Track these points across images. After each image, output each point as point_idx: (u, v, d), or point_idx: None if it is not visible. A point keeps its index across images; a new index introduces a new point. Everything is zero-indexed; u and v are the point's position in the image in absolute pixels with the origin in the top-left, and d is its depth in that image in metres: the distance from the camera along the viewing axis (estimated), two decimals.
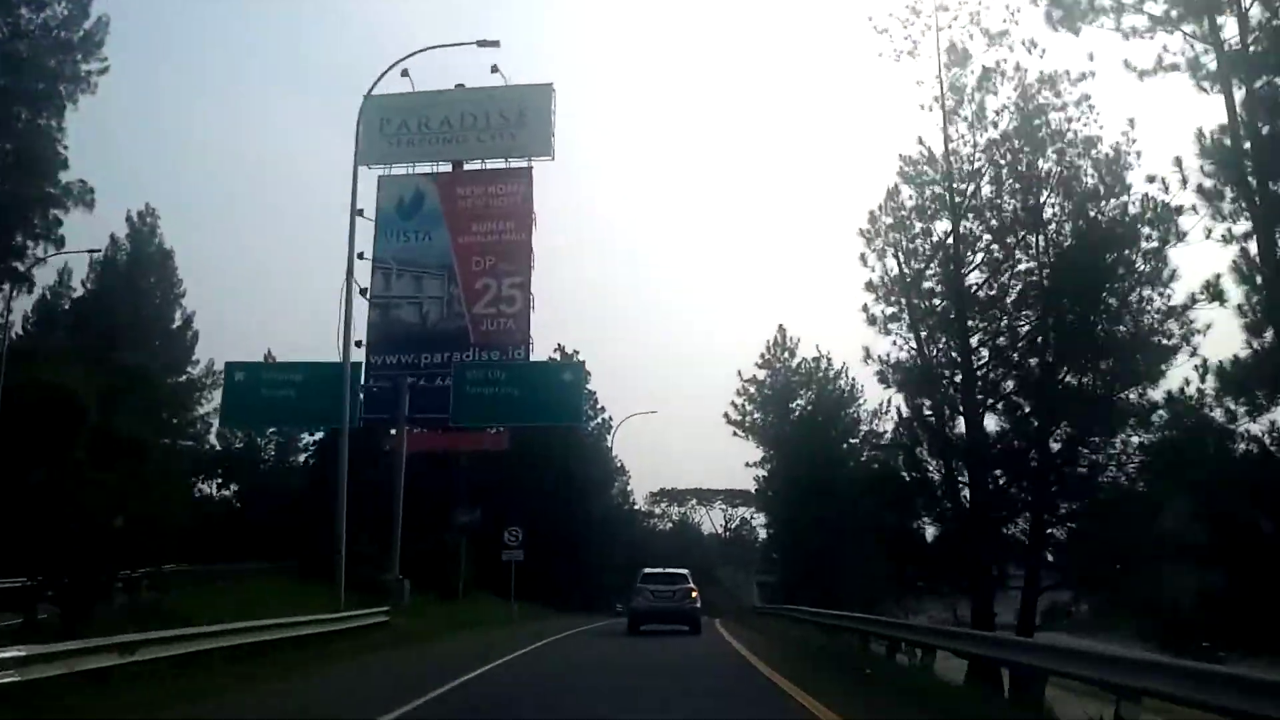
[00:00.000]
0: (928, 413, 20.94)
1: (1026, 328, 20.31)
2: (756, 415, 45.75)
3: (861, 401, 41.77)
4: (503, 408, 33.80)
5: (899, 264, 21.17)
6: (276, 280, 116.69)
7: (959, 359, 20.14)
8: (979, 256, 20.38)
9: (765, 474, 58.10)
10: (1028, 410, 20.46)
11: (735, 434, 45.46)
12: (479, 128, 45.38)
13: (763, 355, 45.00)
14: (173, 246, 60.66)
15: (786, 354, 42.94)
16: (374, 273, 44.80)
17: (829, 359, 41.49)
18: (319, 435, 66.27)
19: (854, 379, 43.50)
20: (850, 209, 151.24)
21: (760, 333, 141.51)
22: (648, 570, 27.69)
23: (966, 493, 20.80)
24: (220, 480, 65.26)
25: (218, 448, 65.27)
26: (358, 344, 43.33)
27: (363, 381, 39.84)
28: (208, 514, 52.26)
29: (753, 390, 46.36)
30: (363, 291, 44.16)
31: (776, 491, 50.59)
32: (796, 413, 43.69)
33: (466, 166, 45.85)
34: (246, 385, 34.45)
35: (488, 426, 40.18)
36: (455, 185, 45.56)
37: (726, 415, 43.02)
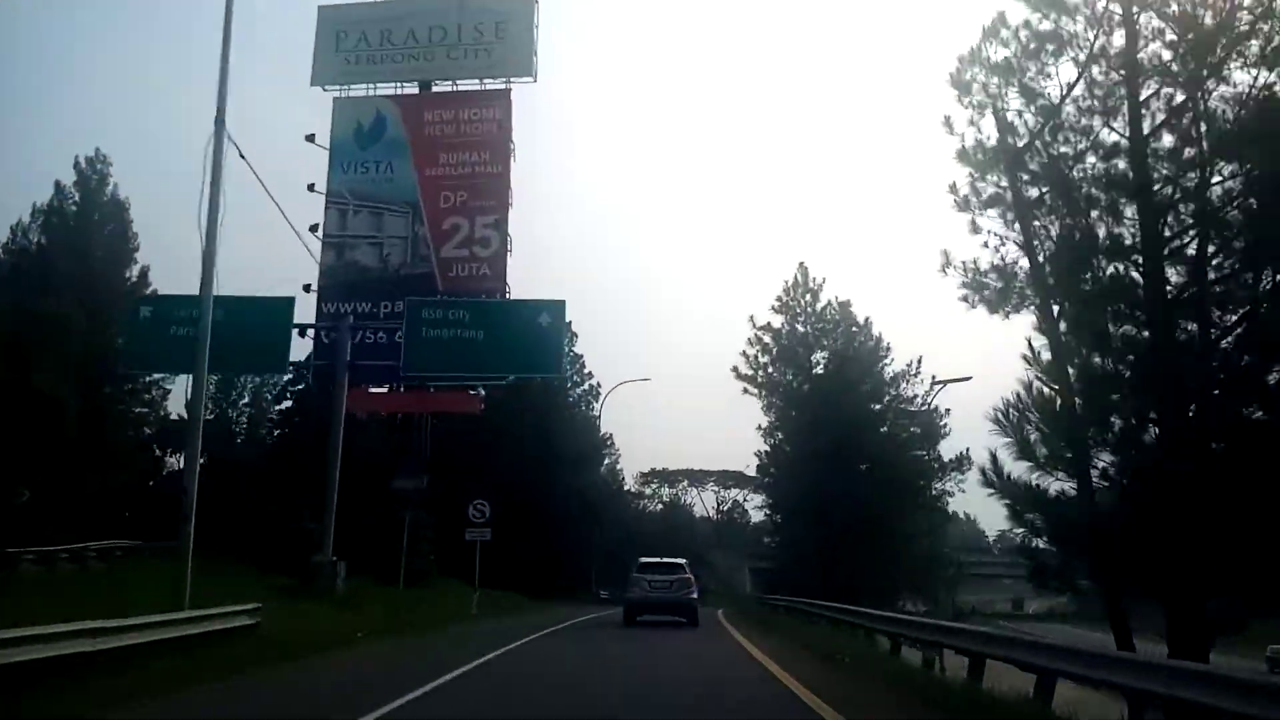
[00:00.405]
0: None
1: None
2: (771, 369, 37.39)
3: (888, 360, 34.80)
4: (466, 355, 27.11)
5: (1010, 120, 14.40)
6: (242, 230, 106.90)
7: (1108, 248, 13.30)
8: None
9: (771, 446, 51.59)
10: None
11: (746, 390, 36.96)
12: (450, 43, 38.61)
13: (780, 298, 36.53)
14: (127, 196, 53.11)
15: (808, 296, 35.28)
16: (327, 209, 38.16)
17: (849, 307, 35.03)
18: (286, 404, 60.39)
19: (880, 333, 36.51)
20: (874, 138, 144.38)
21: (764, 296, 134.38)
22: (644, 560, 25.98)
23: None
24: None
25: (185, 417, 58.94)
26: (306, 288, 37.02)
27: (314, 330, 33.09)
28: (167, 488, 47.08)
29: (767, 339, 37.33)
30: (313, 229, 37.52)
31: (782, 466, 44.23)
32: (818, 366, 35.86)
33: (435, 88, 39.19)
34: (153, 323, 27.70)
35: (450, 381, 33.46)
36: (422, 109, 38.81)
37: (735, 369, 35.36)
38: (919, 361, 30.67)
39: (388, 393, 36.99)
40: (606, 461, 64.75)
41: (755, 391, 35.09)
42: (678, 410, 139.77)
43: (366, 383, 36.11)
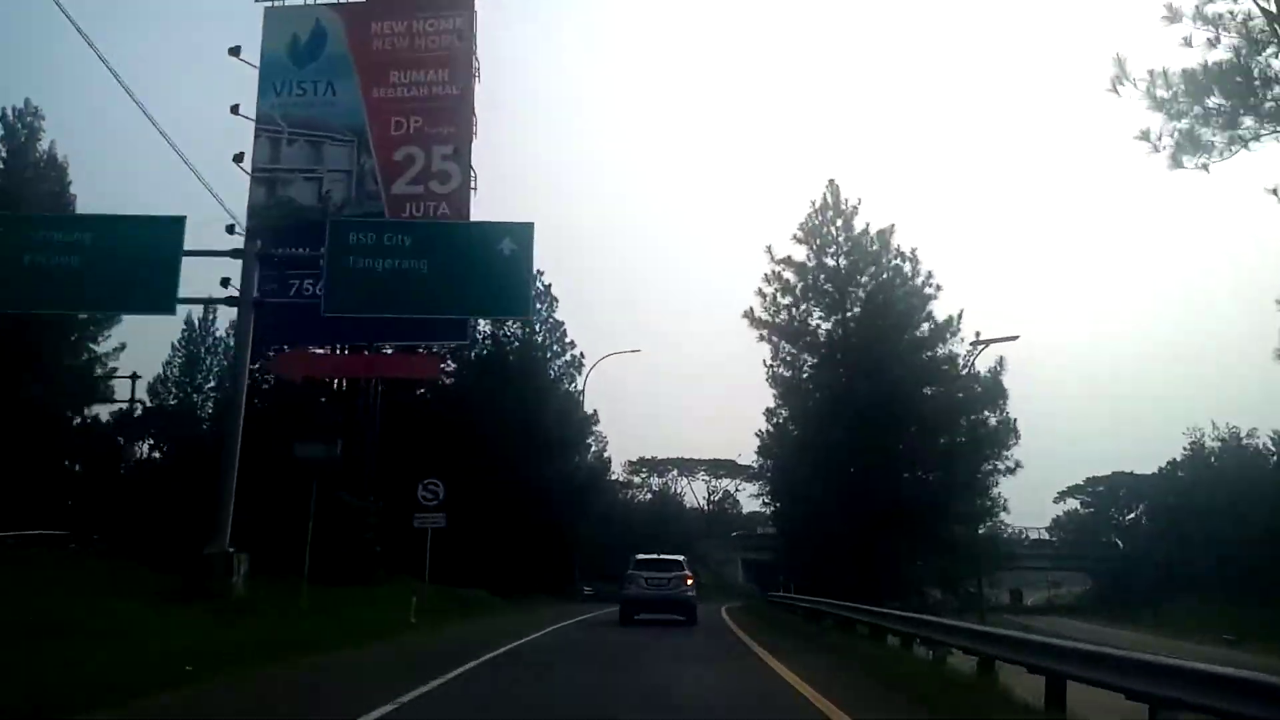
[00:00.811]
0: None
1: None
2: (793, 311, 28.64)
3: (934, 297, 26.58)
4: (406, 292, 20.68)
5: None
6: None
7: None
8: None
9: (776, 426, 45.18)
10: None
11: (761, 338, 29.91)
12: None
13: (804, 226, 28.15)
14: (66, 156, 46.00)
15: (839, 222, 27.00)
16: (257, 137, 31.83)
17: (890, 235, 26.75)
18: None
19: (929, 271, 27.33)
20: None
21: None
22: (640, 556, 24.55)
23: None
24: (152, 441, 53.19)
25: (147, 404, 52.64)
26: (230, 229, 30.45)
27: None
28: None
29: (788, 276, 28.34)
30: (237, 158, 31.01)
31: (792, 443, 38.07)
32: (853, 308, 27.20)
33: None
34: (3, 250, 20.97)
35: (400, 339, 27.10)
36: (369, 19, 32.48)
37: (749, 312, 27.52)
38: (959, 316, 24.15)
39: (328, 355, 30.59)
40: (594, 448, 58.19)
41: (772, 340, 27.91)
42: (668, 398, 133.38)
43: (303, 342, 29.77)
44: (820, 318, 24.47)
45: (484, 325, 42.45)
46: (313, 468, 20.67)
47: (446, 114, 31.33)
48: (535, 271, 42.76)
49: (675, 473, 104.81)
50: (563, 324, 43.30)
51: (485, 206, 30.84)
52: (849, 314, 23.96)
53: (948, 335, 23.04)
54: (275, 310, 29.87)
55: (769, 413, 47.46)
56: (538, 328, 42.24)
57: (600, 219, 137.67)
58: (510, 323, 42.31)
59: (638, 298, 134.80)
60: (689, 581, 23.51)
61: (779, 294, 25.04)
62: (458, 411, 40.43)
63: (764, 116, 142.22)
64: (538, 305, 42.49)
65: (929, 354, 23.09)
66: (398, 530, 31.25)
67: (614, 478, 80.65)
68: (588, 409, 45.25)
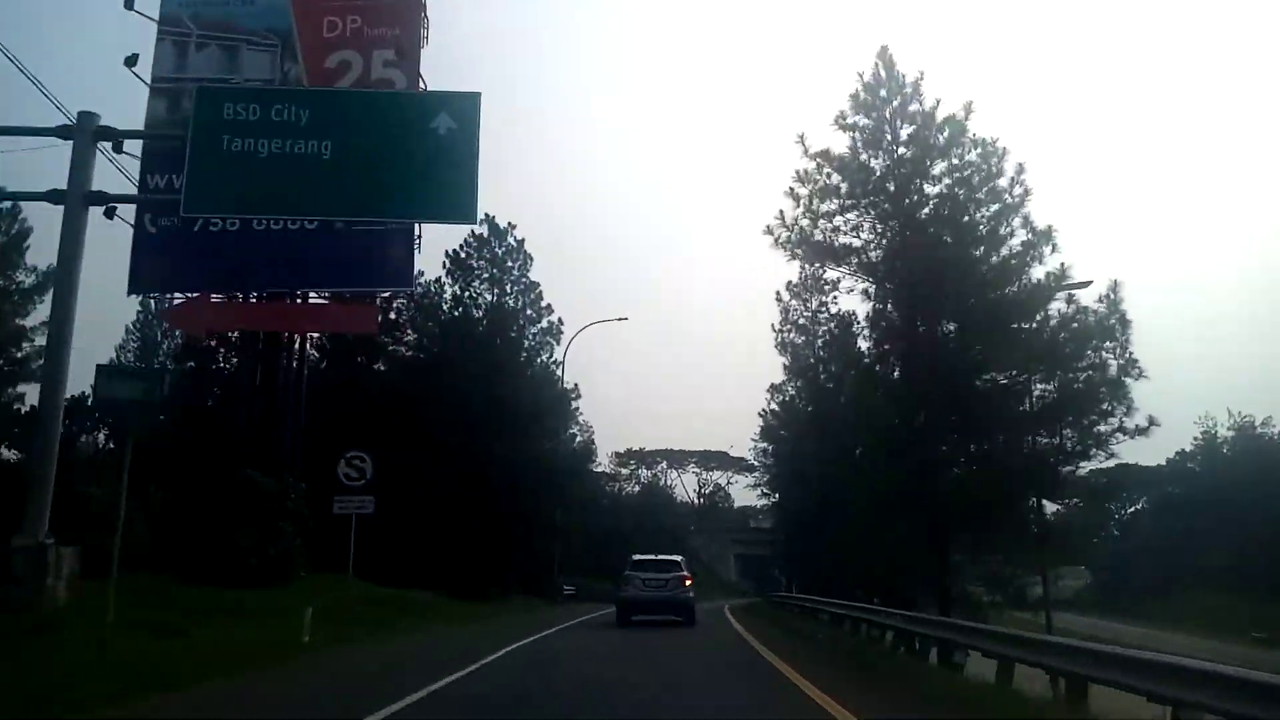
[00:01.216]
0: None
1: None
2: (835, 220, 19.35)
3: (1023, 207, 18.59)
4: (300, 185, 14.76)
5: None
6: None
7: None
8: None
9: (782, 401, 39.70)
10: None
11: (791, 256, 21.13)
12: None
13: (849, 106, 19.56)
14: None
15: (895, 102, 19.07)
16: (160, 41, 25.64)
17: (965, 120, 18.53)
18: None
19: (1020, 166, 19.13)
20: None
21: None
22: (637, 557, 23.67)
23: None
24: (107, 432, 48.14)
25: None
26: (118, 148, 24.40)
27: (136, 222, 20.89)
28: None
29: (830, 173, 19.32)
30: (130, 61, 24.95)
31: (809, 415, 32.62)
32: (922, 207, 18.90)
33: None
34: None
35: (326, 286, 21.19)
36: None
37: (780, 218, 20.50)
38: (1049, 234, 17.54)
39: (236, 303, 24.51)
40: (575, 428, 51.94)
41: (804, 263, 21.01)
42: (657, 385, 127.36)
43: (207, 287, 23.71)
44: (869, 230, 18.39)
45: (447, 284, 36.40)
46: (121, 414, 14.54)
47: (390, 13, 25.24)
48: (507, 225, 36.77)
49: (665, 465, 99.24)
50: (538, 285, 37.27)
51: None
52: (911, 219, 17.82)
53: (1043, 252, 17.00)
54: (170, 245, 23.93)
55: (774, 389, 41.82)
56: (509, 288, 36.23)
57: (587, 161, 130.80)
58: (476, 283, 36.29)
59: (626, 263, 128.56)
60: (687, 583, 22.84)
61: (814, 198, 18.80)
62: (416, 384, 34.44)
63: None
64: (510, 264, 36.47)
65: (1022, 281, 16.95)
66: (335, 521, 25.27)
67: (600, 468, 75.03)
68: (568, 383, 39.16)
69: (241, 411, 25.29)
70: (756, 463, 62.88)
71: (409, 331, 37.30)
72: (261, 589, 19.74)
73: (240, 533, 20.90)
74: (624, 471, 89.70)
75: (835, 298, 34.98)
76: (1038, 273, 17.68)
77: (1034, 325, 17.19)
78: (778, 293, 35.26)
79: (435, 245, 44.89)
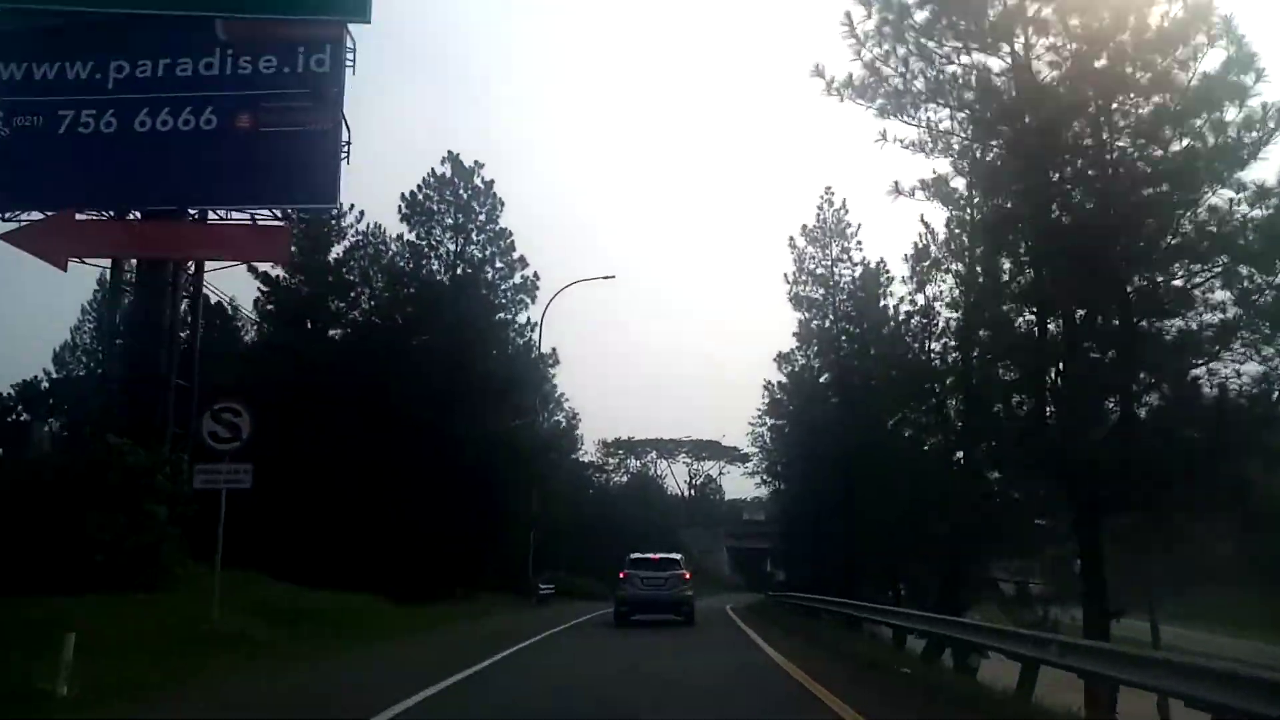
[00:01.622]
0: None
1: None
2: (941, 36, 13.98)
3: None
4: None
5: None
6: None
7: None
8: None
9: (797, 367, 34.05)
10: None
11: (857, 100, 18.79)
12: None
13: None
14: None
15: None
16: None
17: None
18: None
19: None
20: None
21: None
22: (635, 555, 23.11)
23: None
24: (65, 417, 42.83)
25: (53, 375, 44.33)
26: None
27: None
28: None
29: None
30: None
31: (822, 389, 27.13)
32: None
33: None
34: None
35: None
36: None
37: (818, 69, 17.36)
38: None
39: (108, 223, 18.80)
40: (559, 414, 46.03)
41: (882, 111, 16.82)
42: (646, 376, 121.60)
43: (70, 204, 18.08)
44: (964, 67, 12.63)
45: (404, 230, 30.57)
46: None
47: None
48: (474, 163, 30.95)
49: (654, 454, 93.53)
50: (509, 234, 31.26)
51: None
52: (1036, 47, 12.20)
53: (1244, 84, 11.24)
54: (28, 148, 18.32)
55: (782, 358, 36.15)
56: (474, 236, 30.37)
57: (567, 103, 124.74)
58: (438, 230, 30.46)
59: (613, 238, 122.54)
60: (686, 579, 22.41)
61: (887, 23, 12.90)
62: (363, 349, 28.71)
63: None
64: (476, 209, 30.65)
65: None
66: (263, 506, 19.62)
67: (586, 457, 69.23)
68: (546, 350, 33.16)
69: (119, 363, 19.57)
70: (754, 447, 57.41)
71: (366, 294, 31.48)
72: (111, 594, 14.00)
73: (91, 518, 15.15)
74: (611, 462, 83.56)
75: (860, 243, 29.49)
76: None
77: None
78: (791, 239, 29.81)
79: (388, 188, 38.59)
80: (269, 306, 32.65)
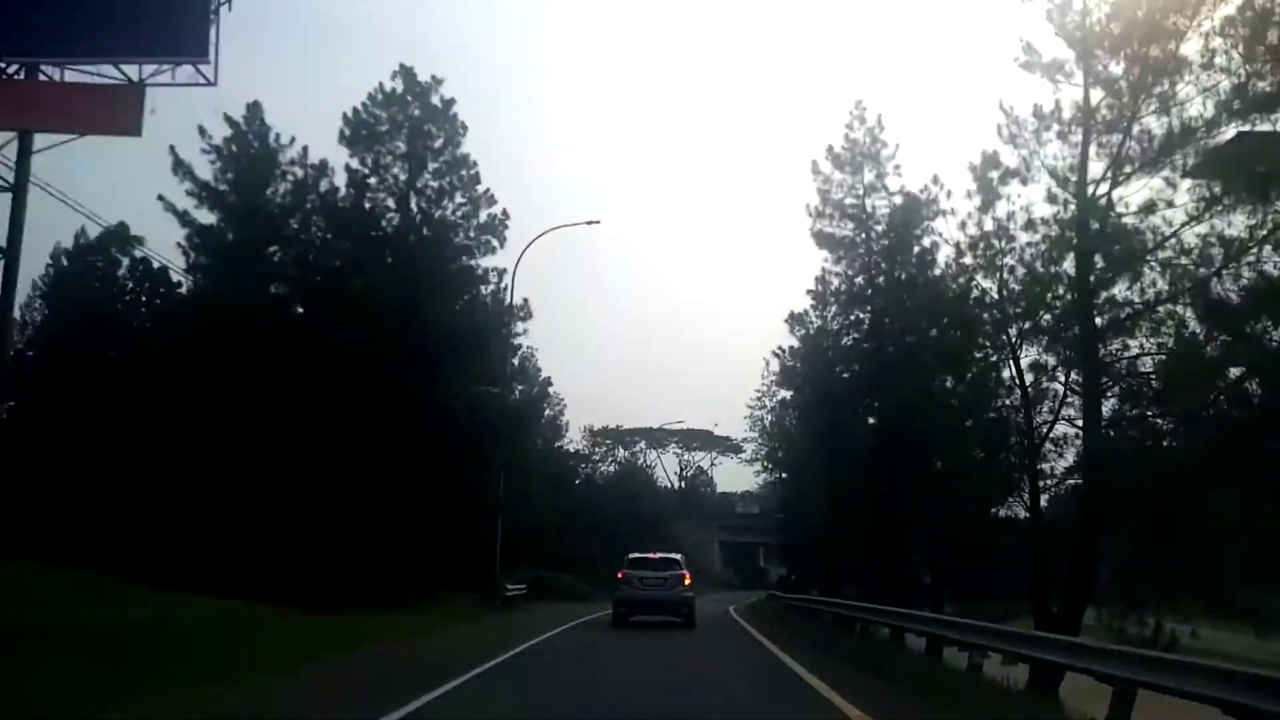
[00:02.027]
0: None
1: None
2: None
3: None
4: None
5: None
6: None
7: None
8: None
9: (812, 329, 28.67)
10: None
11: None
12: None
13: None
14: None
15: None
16: None
17: None
18: None
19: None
20: None
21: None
22: (634, 555, 22.18)
23: None
24: None
25: None
26: None
27: None
28: None
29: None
30: None
31: (843, 352, 21.82)
32: None
33: None
34: None
35: None
36: None
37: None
38: None
39: None
40: (538, 394, 40.42)
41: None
42: (634, 364, 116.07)
43: None
44: None
45: (346, 157, 24.98)
46: None
47: None
48: (430, 79, 25.40)
49: (643, 444, 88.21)
50: (473, 163, 25.37)
51: None
52: None
53: None
54: None
55: (794, 320, 30.61)
56: (430, 164, 24.68)
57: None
58: (386, 157, 24.82)
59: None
60: (687, 581, 21.30)
61: None
62: (296, 300, 23.27)
63: None
64: (433, 132, 24.99)
65: None
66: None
67: (572, 446, 63.83)
68: (516, 298, 27.24)
69: None
70: (753, 432, 52.24)
71: (305, 236, 25.91)
72: None
73: None
74: (598, 452, 78.08)
75: (899, 168, 24.18)
76: None
77: None
78: (814, 164, 24.31)
79: (329, 107, 32.97)
80: (194, 254, 27.20)
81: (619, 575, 21.43)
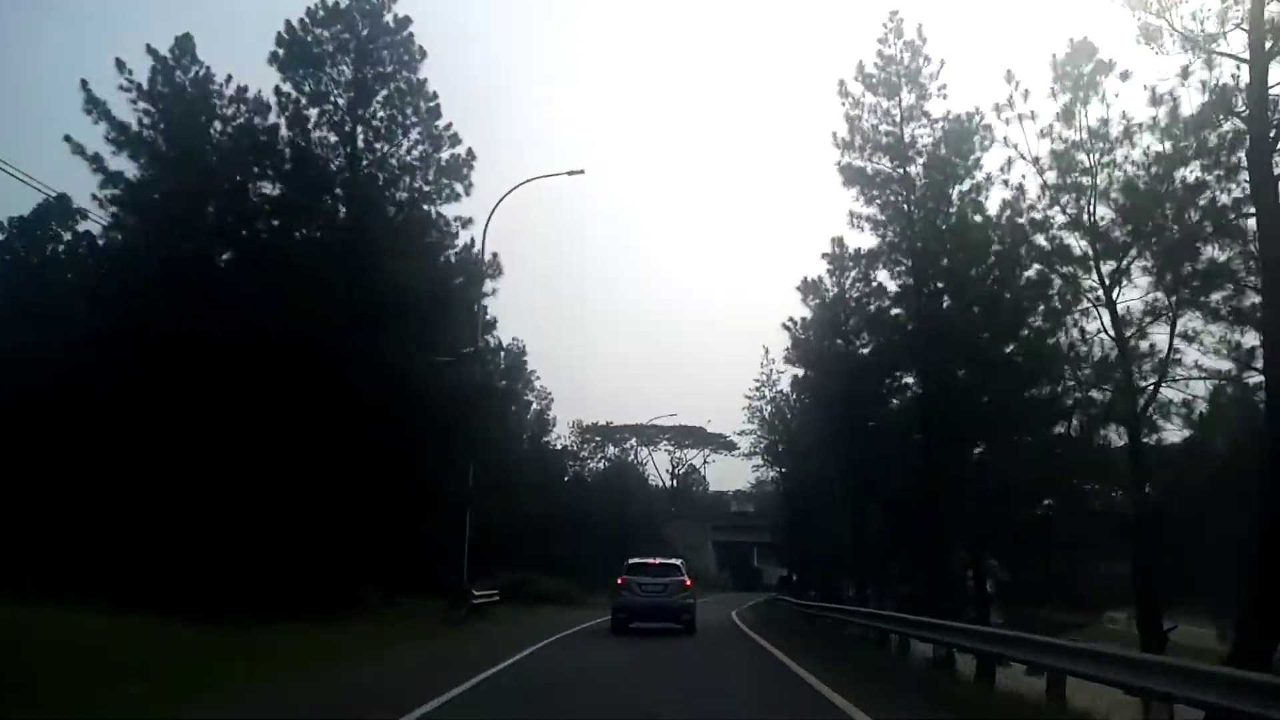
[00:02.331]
0: None
1: None
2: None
3: None
4: None
5: None
6: None
7: None
8: None
9: (829, 295, 24.75)
10: None
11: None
12: None
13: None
14: None
15: None
16: None
17: None
18: None
19: None
20: None
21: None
22: (634, 561, 21.74)
23: None
24: None
25: None
26: None
27: None
28: None
29: None
30: None
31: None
32: None
33: None
34: None
35: None
36: None
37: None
38: None
39: None
40: (510, 365, 36.25)
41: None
42: (624, 358, 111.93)
43: None
44: None
45: (280, 83, 20.72)
46: None
47: None
48: None
49: (634, 441, 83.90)
50: (431, 92, 20.91)
51: None
52: None
53: None
54: None
55: (808, 287, 26.45)
56: (378, 89, 20.30)
57: None
58: (327, 84, 20.60)
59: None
60: (687, 586, 20.60)
61: None
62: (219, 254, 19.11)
63: None
64: (381, 53, 20.77)
65: None
66: None
67: (560, 442, 59.67)
68: (486, 254, 22.93)
69: None
70: (751, 424, 48.28)
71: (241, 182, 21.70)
72: None
73: None
74: (585, 451, 73.75)
75: (943, 89, 20.13)
76: None
77: None
78: (841, 84, 20.12)
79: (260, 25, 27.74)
80: (113, 208, 22.99)
81: (619, 581, 20.70)
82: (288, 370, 18.51)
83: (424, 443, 19.97)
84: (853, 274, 24.48)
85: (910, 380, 20.85)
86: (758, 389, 43.12)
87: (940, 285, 18.99)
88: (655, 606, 19.91)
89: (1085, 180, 14.10)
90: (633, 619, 19.97)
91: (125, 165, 22.54)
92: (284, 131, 20.89)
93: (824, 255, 25.01)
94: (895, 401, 22.57)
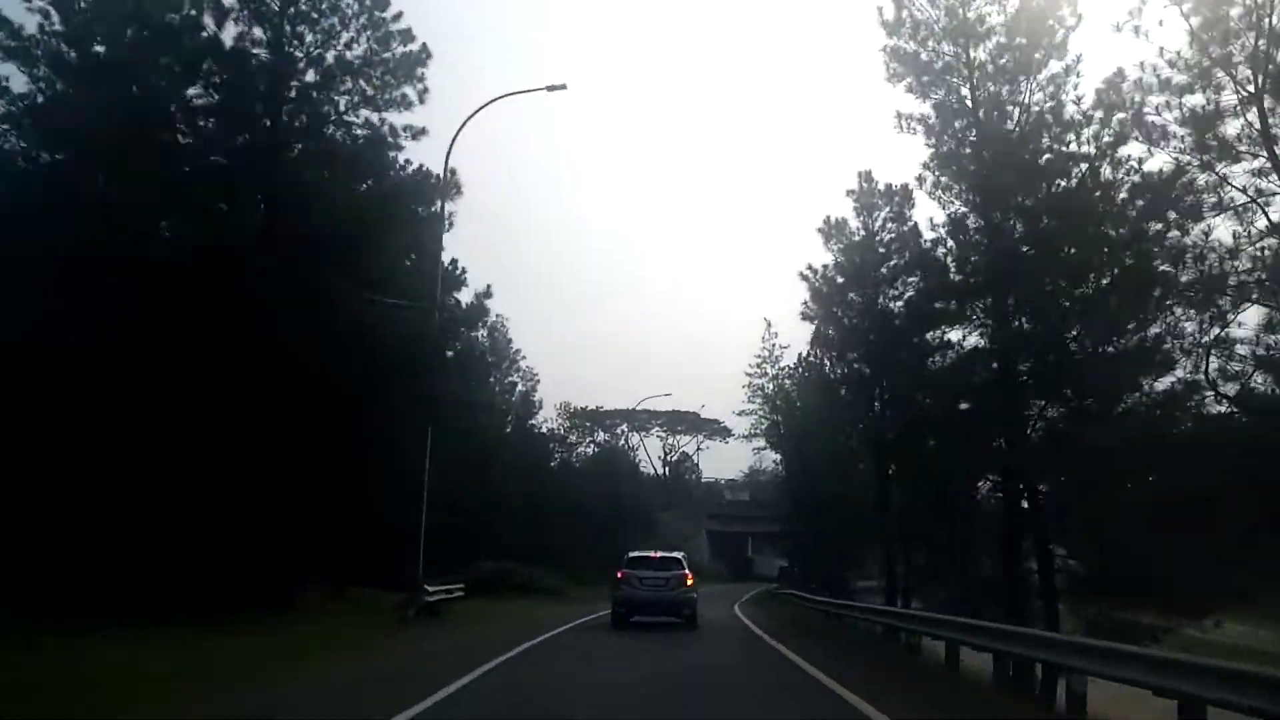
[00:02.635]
0: None
1: None
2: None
3: None
4: None
5: None
6: None
7: None
8: None
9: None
10: None
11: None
12: None
13: None
14: None
15: None
16: None
17: None
18: None
19: None
20: None
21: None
22: (635, 554, 21.54)
23: None
24: None
25: None
26: None
27: None
28: None
29: None
30: None
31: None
32: None
33: None
34: None
35: None
36: None
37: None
38: None
39: None
40: (474, 307, 32.01)
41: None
42: (612, 337, 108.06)
43: None
44: None
45: None
46: None
47: None
48: None
49: (625, 427, 79.93)
50: (402, 34, 17.23)
51: None
52: None
53: None
54: None
55: (833, 229, 22.34)
56: None
57: None
58: None
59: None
60: (689, 582, 20.46)
61: None
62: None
63: None
64: None
65: None
66: None
67: (546, 425, 55.89)
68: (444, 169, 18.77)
69: None
70: (752, 404, 44.49)
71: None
72: None
73: None
74: (573, 436, 69.79)
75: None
76: None
77: None
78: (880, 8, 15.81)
79: None
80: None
81: (619, 575, 20.48)
82: (193, 306, 14.57)
83: (369, 399, 15.97)
84: (884, 212, 20.62)
85: (956, 336, 16.97)
86: (759, 365, 39.54)
87: (1021, 202, 14.65)
88: (656, 601, 19.72)
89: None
90: (633, 613, 19.86)
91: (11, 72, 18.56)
92: (207, 25, 16.89)
93: (849, 192, 21.12)
94: (937, 359, 18.69)
